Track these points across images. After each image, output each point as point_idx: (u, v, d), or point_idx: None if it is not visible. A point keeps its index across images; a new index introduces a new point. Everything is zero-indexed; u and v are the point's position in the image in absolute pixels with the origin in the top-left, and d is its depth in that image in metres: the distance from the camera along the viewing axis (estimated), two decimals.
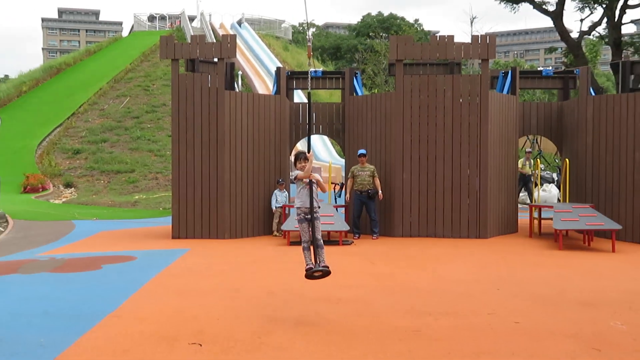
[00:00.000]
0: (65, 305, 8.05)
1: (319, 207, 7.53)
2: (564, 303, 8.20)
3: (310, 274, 7.29)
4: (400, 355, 5.95)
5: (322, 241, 7.34)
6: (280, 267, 11.15)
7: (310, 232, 7.33)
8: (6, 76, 65.48)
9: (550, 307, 7.94)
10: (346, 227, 14.27)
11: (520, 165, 19.45)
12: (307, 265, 7.32)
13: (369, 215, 14.86)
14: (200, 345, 6.26)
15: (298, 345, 6.25)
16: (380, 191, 14.66)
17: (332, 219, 14.29)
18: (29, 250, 13.68)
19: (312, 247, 7.37)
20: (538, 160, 21.15)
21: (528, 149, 18.34)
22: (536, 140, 30.78)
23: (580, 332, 6.76)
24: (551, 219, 14.52)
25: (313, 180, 7.42)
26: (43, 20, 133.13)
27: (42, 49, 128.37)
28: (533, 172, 17.39)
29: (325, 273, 7.25)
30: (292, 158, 7.82)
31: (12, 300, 8.42)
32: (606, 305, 8.03)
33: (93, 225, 18.64)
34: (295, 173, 7.69)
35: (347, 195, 15.11)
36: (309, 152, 7.57)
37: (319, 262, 7.21)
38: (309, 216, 7.33)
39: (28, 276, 10.17)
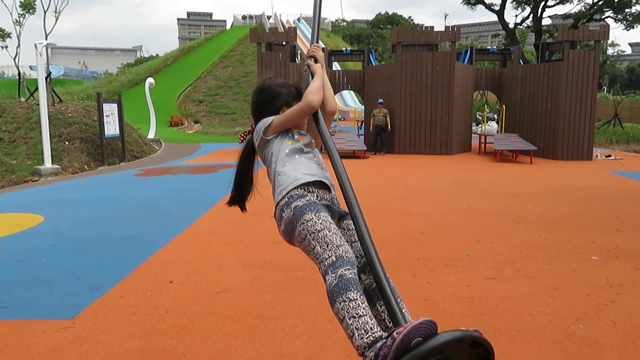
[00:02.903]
0: (197, 194, 8.24)
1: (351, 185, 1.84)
2: (498, 194, 8.11)
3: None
4: (398, 224, 5.98)
5: (387, 274, 1.53)
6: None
7: (352, 244, 1.74)
8: (157, 55, 65.08)
9: (489, 197, 7.87)
10: (364, 147, 14.18)
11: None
12: (369, 333, 1.34)
13: (381, 140, 14.70)
14: None
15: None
16: (389, 126, 14.47)
17: (356, 142, 14.20)
18: (175, 160, 13.93)
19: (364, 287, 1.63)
20: (485, 106, 20.45)
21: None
22: (484, 93, 29.85)
23: (508, 212, 6.70)
24: (492, 143, 14.24)
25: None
26: (178, 19, 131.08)
27: (178, 37, 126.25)
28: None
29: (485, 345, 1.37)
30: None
31: (165, 190, 8.64)
32: (525, 196, 7.93)
33: (212, 146, 18.82)
34: (267, 121, 1.95)
35: (371, 128, 14.85)
36: (316, 42, 2.19)
37: (403, 317, 1.42)
38: (337, 206, 1.91)
39: (175, 176, 10.39)
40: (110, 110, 13.50)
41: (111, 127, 13.48)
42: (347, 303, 1.41)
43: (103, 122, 13.07)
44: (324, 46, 27.62)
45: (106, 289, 3.86)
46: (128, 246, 5.05)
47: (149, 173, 10.92)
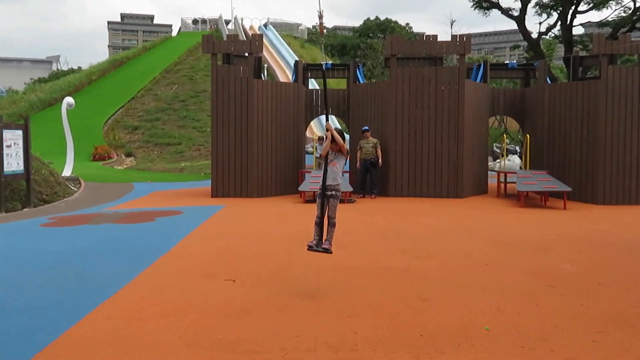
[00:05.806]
0: (127, 250, 8.06)
1: (338, 185, 5.98)
2: (525, 248, 8.14)
3: (310, 249, 5.88)
4: (395, 287, 5.91)
5: (335, 220, 5.89)
6: (296, 219, 11.13)
7: (322, 209, 5.81)
8: (79, 67, 65.23)
9: (513, 253, 7.88)
10: (350, 188, 14.23)
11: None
12: (313, 240, 5.86)
13: (371, 179, 14.76)
14: (234, 281, 6.25)
15: (311, 279, 6.25)
16: (380, 159, 14.58)
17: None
18: (98, 205, 13.73)
19: (325, 224, 5.85)
20: (504, 135, 20.93)
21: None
22: (503, 119, 30.59)
23: (538, 271, 6.70)
24: (515, 182, 14.47)
25: (330, 155, 5.95)
26: (109, 23, 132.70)
27: (108, 46, 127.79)
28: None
29: (326, 252, 5.87)
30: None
31: (83, 245, 8.43)
32: (558, 251, 7.98)
33: (148, 186, 18.69)
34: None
35: (358, 163, 14.94)
36: (327, 121, 6.17)
37: (327, 239, 5.83)
38: (326, 192, 5.85)
39: (97, 226, 10.21)
40: (12, 139, 13.34)
41: (13, 161, 13.29)
42: (314, 227, 5.96)
43: (2, 154, 12.87)
44: (297, 59, 28.17)
45: None
46: (29, 322, 4.87)
47: (62, 222, 10.71)
